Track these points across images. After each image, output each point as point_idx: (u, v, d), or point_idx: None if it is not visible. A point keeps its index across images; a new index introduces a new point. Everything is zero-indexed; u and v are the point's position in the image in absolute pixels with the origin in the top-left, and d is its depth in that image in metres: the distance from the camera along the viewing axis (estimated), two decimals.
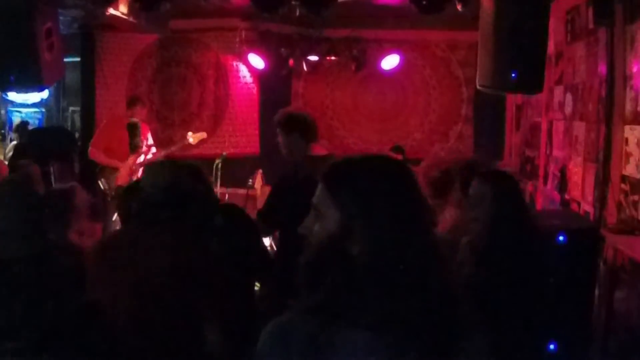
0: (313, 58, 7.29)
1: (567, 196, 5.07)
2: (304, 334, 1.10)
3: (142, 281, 2.18)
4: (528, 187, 6.10)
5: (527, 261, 2.62)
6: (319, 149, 3.71)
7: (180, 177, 2.44)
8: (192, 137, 6.26)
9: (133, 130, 5.83)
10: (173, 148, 6.27)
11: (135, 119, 5.92)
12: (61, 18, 5.39)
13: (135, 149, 5.84)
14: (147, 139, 6.15)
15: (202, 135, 6.43)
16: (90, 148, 6.04)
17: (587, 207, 4.62)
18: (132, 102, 6.26)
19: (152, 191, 2.39)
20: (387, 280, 1.13)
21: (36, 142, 6.29)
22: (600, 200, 4.31)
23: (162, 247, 2.25)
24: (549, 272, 2.69)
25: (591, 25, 4.51)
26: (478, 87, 4.22)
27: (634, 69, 3.97)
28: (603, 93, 4.34)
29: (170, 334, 2.15)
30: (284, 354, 1.11)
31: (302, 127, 3.64)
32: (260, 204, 4.52)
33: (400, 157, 6.83)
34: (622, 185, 4.08)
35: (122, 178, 5.77)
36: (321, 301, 1.14)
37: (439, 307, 1.14)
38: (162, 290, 2.17)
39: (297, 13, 5.07)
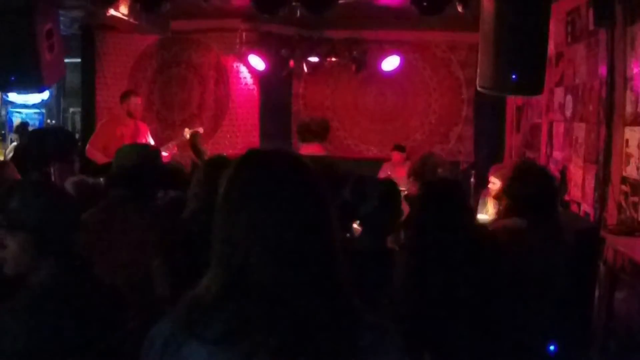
0: (313, 59, 7.30)
1: (567, 197, 5.08)
2: (161, 341, 1.11)
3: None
4: None
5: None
6: (317, 149, 3.79)
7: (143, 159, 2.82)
8: (188, 134, 6.24)
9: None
10: (170, 144, 6.24)
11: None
12: (62, 19, 5.40)
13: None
14: (146, 139, 6.14)
15: (199, 130, 6.42)
16: (87, 147, 6.02)
17: (587, 208, 4.63)
18: (124, 95, 6.21)
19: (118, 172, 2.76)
20: (237, 290, 1.10)
21: (36, 142, 6.28)
22: (601, 202, 4.32)
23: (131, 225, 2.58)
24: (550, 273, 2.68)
25: (591, 27, 4.51)
26: (478, 88, 4.22)
27: (635, 70, 3.98)
28: (603, 94, 4.35)
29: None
30: (148, 358, 1.13)
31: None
32: None
33: (402, 156, 6.86)
34: (622, 187, 4.08)
35: None
36: (181, 308, 1.13)
37: (311, 322, 1.08)
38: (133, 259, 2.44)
39: (298, 14, 5.07)
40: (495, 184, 4.91)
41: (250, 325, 1.07)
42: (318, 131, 4.00)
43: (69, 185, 3.29)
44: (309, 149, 3.88)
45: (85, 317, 1.74)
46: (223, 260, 1.13)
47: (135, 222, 2.60)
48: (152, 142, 6.19)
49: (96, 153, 5.94)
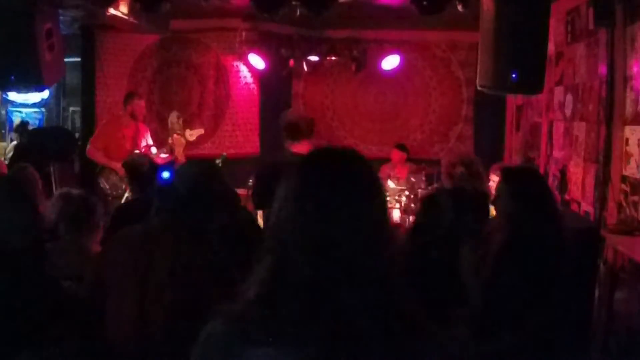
0: (313, 58, 7.30)
1: (567, 197, 5.08)
2: (221, 343, 1.09)
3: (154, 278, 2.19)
4: None
5: (546, 258, 2.62)
6: (307, 148, 3.81)
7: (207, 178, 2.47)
8: (190, 135, 6.24)
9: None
10: (170, 142, 6.23)
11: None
12: (61, 18, 5.40)
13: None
14: (145, 139, 6.14)
15: (200, 131, 6.42)
16: (89, 147, 6.02)
17: (587, 207, 4.63)
18: (128, 96, 6.21)
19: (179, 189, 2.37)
20: (301, 294, 1.08)
21: (36, 142, 6.30)
22: (601, 201, 4.32)
23: (180, 247, 2.26)
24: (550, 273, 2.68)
25: (591, 26, 4.51)
26: (478, 87, 4.22)
27: (635, 70, 3.98)
28: (603, 94, 4.35)
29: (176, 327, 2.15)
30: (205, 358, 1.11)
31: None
32: None
33: (403, 155, 6.86)
34: (622, 186, 4.08)
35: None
36: (240, 309, 1.12)
37: (358, 321, 1.07)
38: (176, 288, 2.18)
39: (298, 13, 5.06)
40: (495, 181, 4.91)
41: (308, 324, 1.06)
42: (307, 130, 4.02)
43: (55, 198, 3.19)
44: (300, 148, 3.89)
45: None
46: (271, 258, 1.12)
47: (199, 255, 2.30)
48: (151, 143, 6.19)
49: (97, 153, 5.94)
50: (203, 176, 2.45)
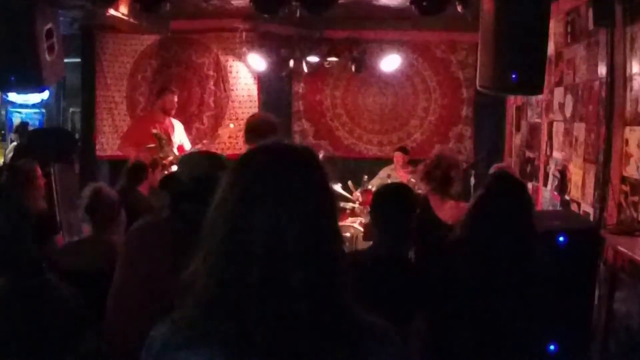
0: (313, 59, 7.30)
1: (567, 197, 5.08)
2: (158, 346, 1.09)
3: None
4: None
5: (517, 262, 2.61)
6: None
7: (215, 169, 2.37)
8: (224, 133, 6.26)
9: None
10: (205, 141, 6.25)
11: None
12: (61, 19, 5.40)
13: None
14: (181, 136, 6.16)
15: (234, 125, 6.46)
16: (120, 143, 6.01)
17: (587, 208, 4.63)
18: (160, 92, 6.22)
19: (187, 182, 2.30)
20: (235, 294, 1.06)
21: (36, 143, 6.28)
22: (601, 201, 4.32)
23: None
24: (544, 274, 2.68)
25: (591, 27, 4.51)
26: (478, 88, 4.22)
27: (634, 70, 3.98)
28: (603, 94, 4.35)
29: None
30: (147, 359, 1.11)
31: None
32: None
33: (405, 158, 6.86)
34: (622, 186, 4.08)
35: None
36: (181, 312, 1.11)
37: (301, 324, 1.05)
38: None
39: (298, 14, 5.07)
40: None
41: (246, 327, 1.04)
42: (268, 132, 3.90)
43: (88, 191, 3.24)
44: None
45: (32, 331, 1.73)
46: (219, 258, 1.10)
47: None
48: (186, 138, 6.19)
49: (128, 149, 5.90)
50: (206, 165, 2.37)
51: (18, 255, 1.83)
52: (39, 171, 4.01)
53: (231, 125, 6.67)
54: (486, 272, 2.57)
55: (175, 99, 6.22)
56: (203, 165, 2.35)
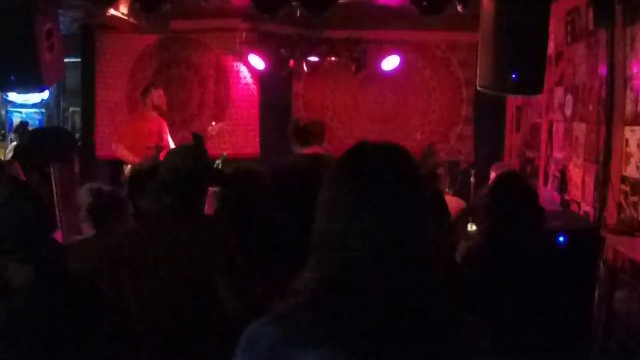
0: (313, 59, 7.29)
1: (567, 197, 5.08)
2: (265, 345, 1.08)
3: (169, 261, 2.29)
4: None
5: (526, 263, 2.63)
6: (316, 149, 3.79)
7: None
8: (212, 129, 6.24)
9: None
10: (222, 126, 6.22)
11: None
12: (61, 18, 5.39)
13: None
14: (167, 135, 6.14)
15: (223, 125, 6.43)
16: (115, 145, 5.95)
17: (587, 207, 4.63)
18: (145, 90, 6.16)
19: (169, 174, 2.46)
20: (355, 297, 1.07)
21: (36, 142, 6.29)
22: (600, 201, 4.32)
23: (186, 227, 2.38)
24: (551, 274, 2.69)
25: (591, 26, 4.51)
26: (478, 88, 4.22)
27: (635, 70, 3.98)
28: (603, 94, 4.35)
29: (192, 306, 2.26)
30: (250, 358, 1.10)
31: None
32: None
33: None
34: (622, 186, 4.08)
35: None
36: (286, 310, 1.11)
37: (414, 325, 1.07)
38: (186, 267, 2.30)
39: (298, 14, 5.07)
40: None
41: (357, 327, 1.05)
42: (319, 134, 3.95)
43: (84, 191, 3.24)
44: (310, 151, 3.84)
45: (62, 317, 1.75)
46: (324, 259, 1.11)
47: (191, 233, 2.40)
48: (170, 138, 6.16)
49: (124, 152, 5.85)
50: (187, 159, 2.54)
51: (42, 243, 1.85)
52: (20, 170, 3.97)
53: (213, 123, 6.60)
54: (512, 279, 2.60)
55: (162, 93, 6.12)
56: (184, 159, 2.52)
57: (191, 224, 2.43)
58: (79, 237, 3.19)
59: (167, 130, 6.14)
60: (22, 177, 3.84)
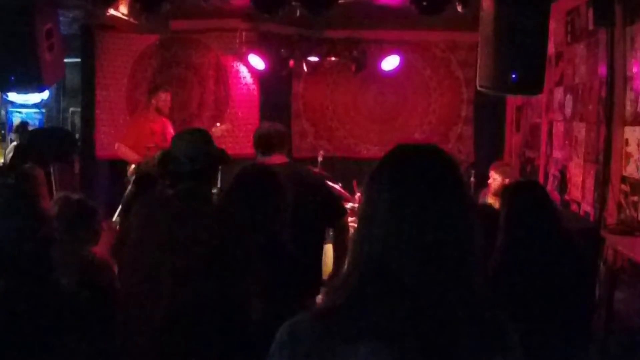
0: (313, 59, 7.29)
1: (567, 197, 5.08)
2: (309, 339, 1.08)
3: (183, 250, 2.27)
4: None
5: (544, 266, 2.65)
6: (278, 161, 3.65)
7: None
8: (215, 131, 6.24)
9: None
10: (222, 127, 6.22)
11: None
12: (61, 18, 5.39)
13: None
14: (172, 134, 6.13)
15: (227, 126, 6.43)
16: (118, 145, 5.95)
17: (587, 207, 4.63)
18: (152, 90, 6.18)
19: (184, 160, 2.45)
20: (396, 288, 1.09)
21: (36, 143, 6.28)
22: (600, 201, 4.32)
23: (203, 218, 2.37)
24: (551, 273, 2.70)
25: (591, 26, 4.51)
26: (478, 88, 4.22)
27: (634, 70, 3.98)
28: (603, 94, 4.35)
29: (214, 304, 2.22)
30: (291, 356, 1.10)
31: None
32: None
33: None
34: (622, 186, 4.08)
35: None
36: (331, 306, 1.12)
37: (456, 320, 1.09)
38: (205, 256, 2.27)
39: (298, 14, 5.06)
40: (496, 179, 4.92)
41: (399, 324, 1.06)
42: (279, 143, 3.78)
43: (53, 202, 3.16)
44: (272, 162, 3.65)
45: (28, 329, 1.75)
46: (364, 258, 1.13)
47: (205, 220, 2.39)
48: None
49: (128, 152, 5.87)
50: (199, 143, 2.55)
51: (20, 256, 1.84)
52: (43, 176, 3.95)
53: (217, 124, 6.60)
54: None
55: (169, 98, 6.17)
56: (196, 143, 2.52)
57: (208, 210, 2.45)
58: None
59: (171, 130, 6.14)
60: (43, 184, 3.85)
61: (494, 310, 1.16)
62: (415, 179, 1.15)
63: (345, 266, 1.16)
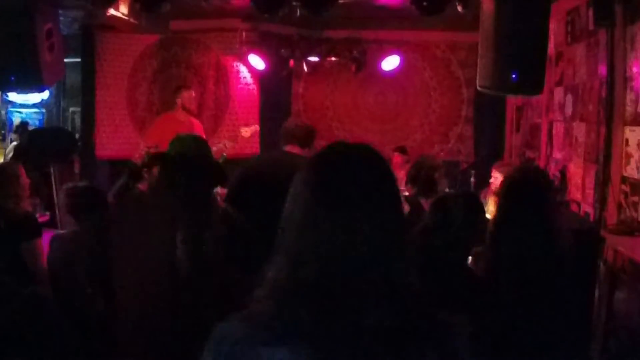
0: (313, 59, 7.29)
1: (567, 197, 5.07)
2: (232, 342, 1.08)
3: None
4: None
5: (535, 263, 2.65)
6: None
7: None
8: (245, 131, 6.22)
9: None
10: (227, 143, 6.22)
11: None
12: (61, 18, 5.40)
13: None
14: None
15: (255, 128, 6.43)
16: (142, 143, 5.96)
17: (587, 208, 4.63)
18: (176, 90, 6.18)
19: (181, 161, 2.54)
20: (318, 296, 1.07)
21: (36, 142, 6.28)
22: (601, 201, 4.32)
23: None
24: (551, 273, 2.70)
25: (591, 26, 4.51)
26: (478, 88, 4.22)
27: (634, 70, 3.98)
28: (603, 94, 4.35)
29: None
30: (215, 356, 1.10)
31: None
32: None
33: (403, 157, 6.86)
34: (622, 186, 4.08)
35: None
36: (251, 310, 1.11)
37: (380, 322, 1.06)
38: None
39: (298, 14, 5.07)
40: (497, 178, 4.93)
41: (326, 325, 1.05)
42: (302, 137, 3.98)
43: (61, 194, 3.29)
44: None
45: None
46: (290, 259, 1.11)
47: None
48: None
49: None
50: (194, 145, 2.68)
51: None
52: (23, 172, 3.92)
53: (244, 129, 6.61)
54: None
55: (193, 94, 6.21)
56: (191, 146, 2.67)
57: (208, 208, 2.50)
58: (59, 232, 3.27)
59: (201, 130, 6.11)
60: (26, 180, 3.81)
61: (429, 309, 1.13)
62: (344, 180, 1.13)
63: (273, 268, 1.13)
